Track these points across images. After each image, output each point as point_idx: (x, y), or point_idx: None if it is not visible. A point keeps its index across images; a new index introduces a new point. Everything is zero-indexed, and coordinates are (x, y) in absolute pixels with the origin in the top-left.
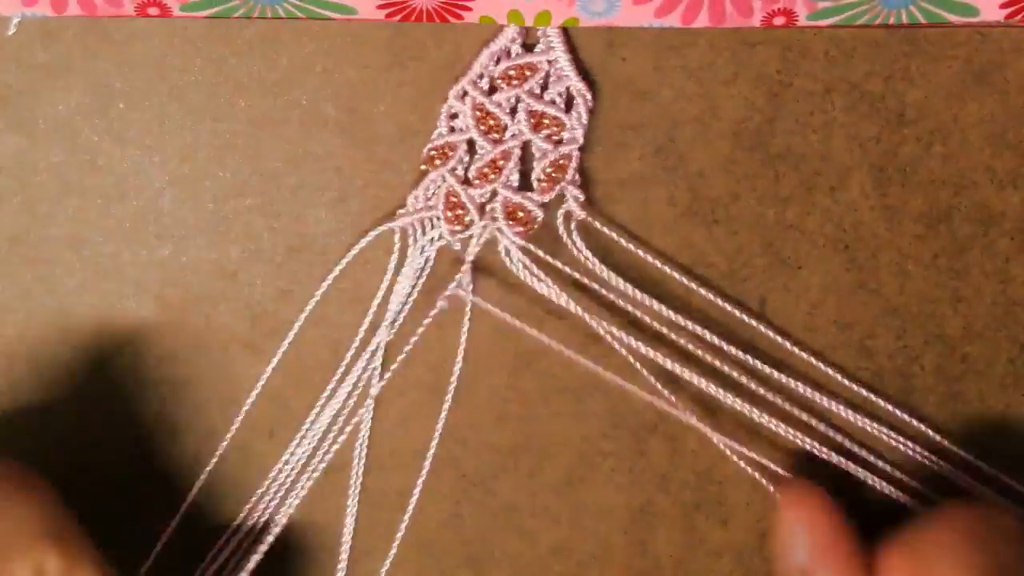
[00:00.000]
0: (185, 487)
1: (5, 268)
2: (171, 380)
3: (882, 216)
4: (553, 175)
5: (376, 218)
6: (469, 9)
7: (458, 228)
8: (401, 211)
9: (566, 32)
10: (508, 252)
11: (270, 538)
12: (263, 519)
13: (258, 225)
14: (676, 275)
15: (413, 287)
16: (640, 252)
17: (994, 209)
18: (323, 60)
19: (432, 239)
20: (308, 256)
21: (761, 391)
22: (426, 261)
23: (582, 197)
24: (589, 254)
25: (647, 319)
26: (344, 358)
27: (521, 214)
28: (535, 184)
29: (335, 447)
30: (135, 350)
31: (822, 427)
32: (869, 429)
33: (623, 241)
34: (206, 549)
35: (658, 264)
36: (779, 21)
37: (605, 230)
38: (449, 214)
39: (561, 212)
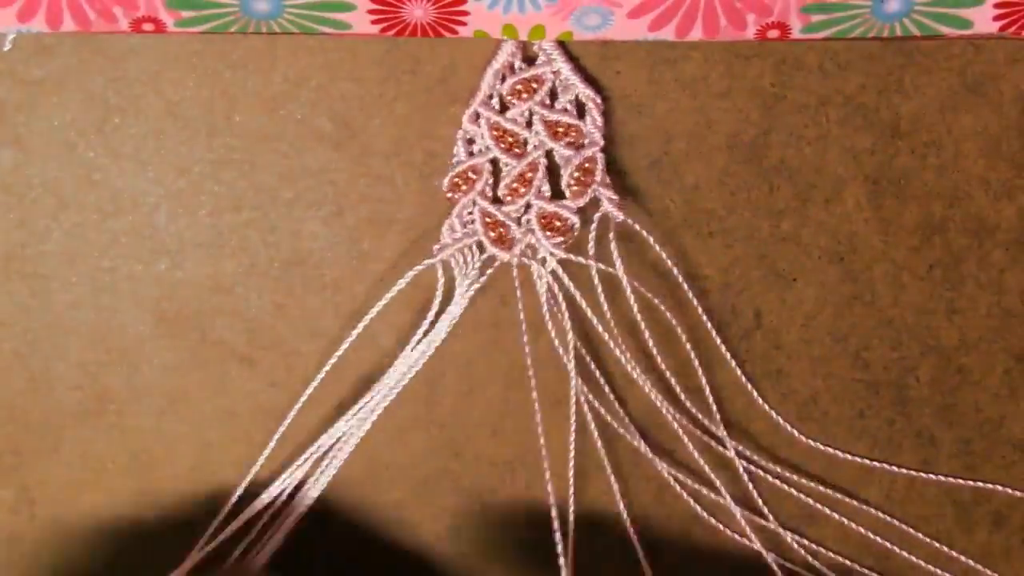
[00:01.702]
0: (181, 500)
1: (1, 283)
2: (168, 394)
3: (877, 228)
4: (581, 179)
5: (372, 231)
6: (463, 24)
7: (503, 249)
8: (438, 245)
9: (563, 44)
10: (542, 266)
11: (268, 550)
12: (264, 535)
13: (254, 239)
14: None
15: (458, 312)
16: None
17: (988, 220)
18: (318, 75)
19: (475, 266)
20: (304, 270)
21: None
22: (475, 287)
23: (617, 198)
24: (620, 265)
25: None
26: (344, 371)
27: (558, 223)
28: (566, 191)
29: (336, 463)
30: (132, 364)
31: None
32: None
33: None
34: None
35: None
36: (773, 34)
37: (644, 232)
38: (491, 235)
39: (597, 216)
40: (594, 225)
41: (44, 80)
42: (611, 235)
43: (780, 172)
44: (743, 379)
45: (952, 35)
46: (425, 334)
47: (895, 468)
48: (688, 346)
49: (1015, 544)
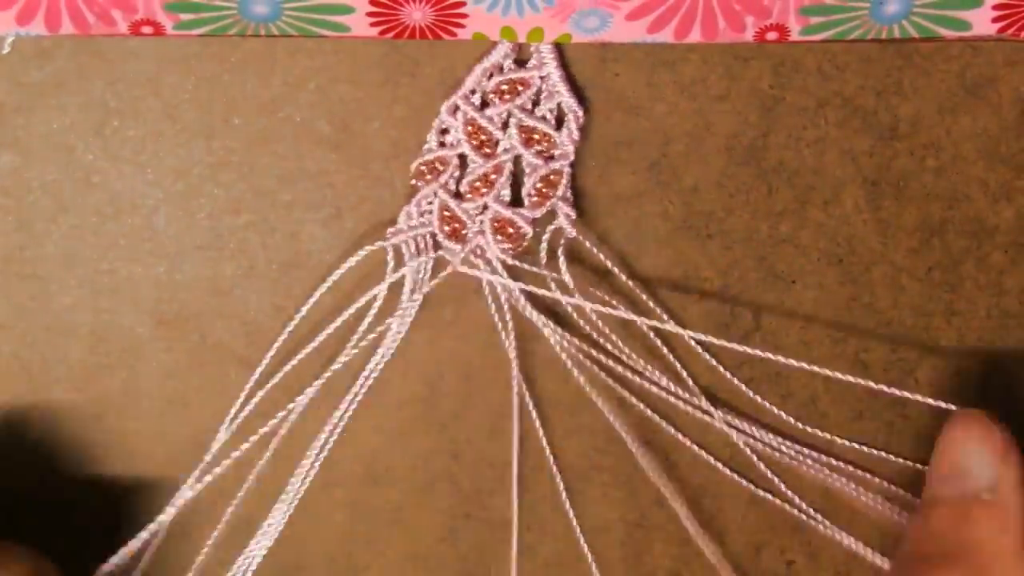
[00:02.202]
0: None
1: (0, 286)
2: (167, 396)
3: (876, 230)
4: (543, 190)
5: (371, 234)
6: (462, 26)
7: (455, 242)
8: (392, 228)
9: (559, 48)
10: (491, 269)
11: (262, 551)
12: (256, 537)
13: (253, 242)
14: (667, 291)
15: (411, 301)
16: (624, 277)
17: (987, 222)
18: (317, 77)
19: (425, 257)
20: (303, 273)
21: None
22: (422, 277)
23: (574, 215)
24: (569, 278)
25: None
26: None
27: (511, 230)
28: (525, 199)
29: (318, 463)
30: (131, 366)
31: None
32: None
33: (609, 263)
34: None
35: (638, 287)
36: (772, 36)
37: (594, 250)
38: (446, 228)
39: (550, 229)
40: (546, 237)
41: (43, 83)
42: (560, 251)
43: (779, 174)
44: (734, 382)
45: (951, 37)
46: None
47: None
48: (666, 351)
49: None
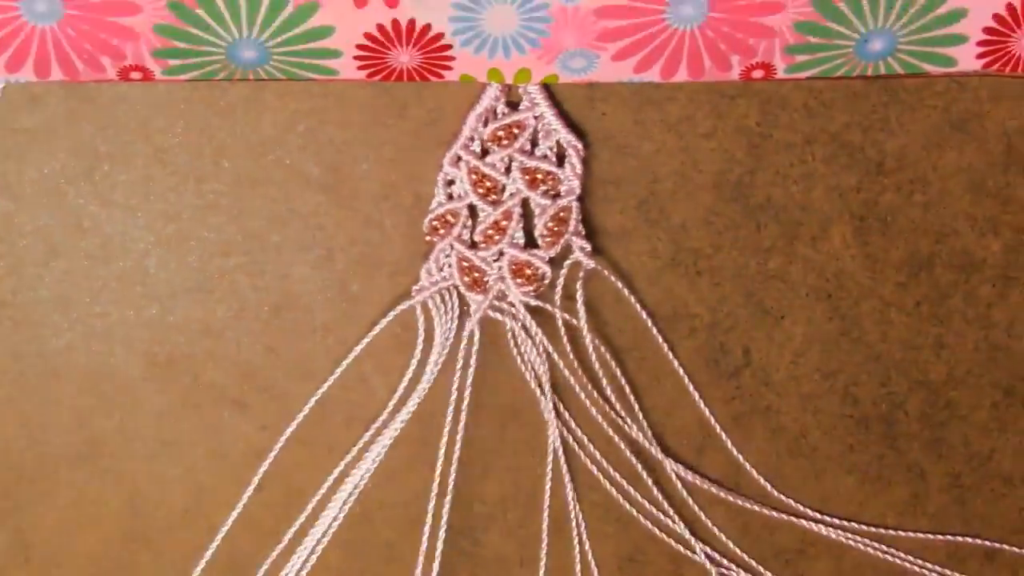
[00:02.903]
0: (176, 544)
1: None
2: (160, 437)
3: (864, 265)
4: (555, 229)
5: (361, 274)
6: (449, 68)
7: (476, 292)
8: (416, 287)
9: (547, 88)
10: (515, 313)
11: None
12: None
13: (243, 284)
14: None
15: (440, 356)
16: (636, 304)
17: (975, 256)
18: (305, 120)
19: (454, 309)
20: (293, 314)
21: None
22: (454, 331)
23: (589, 247)
24: (583, 312)
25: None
26: (335, 414)
27: (529, 271)
28: (539, 240)
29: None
30: (124, 408)
31: None
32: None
33: (626, 291)
34: None
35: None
36: (758, 74)
37: (612, 278)
38: (467, 279)
39: (568, 264)
40: (563, 272)
41: (33, 129)
42: (579, 283)
43: (766, 210)
44: (713, 422)
45: (936, 73)
46: (414, 377)
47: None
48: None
49: None
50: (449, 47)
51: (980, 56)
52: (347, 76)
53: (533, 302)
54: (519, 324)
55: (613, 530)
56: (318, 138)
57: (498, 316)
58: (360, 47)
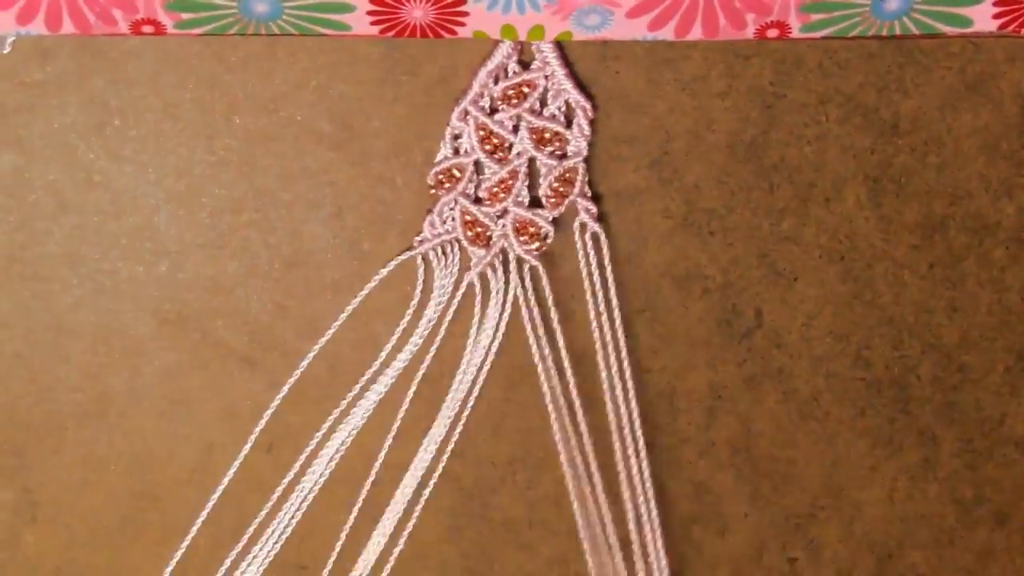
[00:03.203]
0: (184, 503)
1: (2, 286)
2: (169, 395)
3: (877, 227)
4: (560, 190)
5: (372, 232)
6: (463, 24)
7: (480, 247)
8: (418, 237)
9: (560, 47)
10: (519, 268)
11: (271, 553)
12: (265, 535)
13: (254, 241)
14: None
15: (437, 310)
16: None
17: (989, 219)
18: (317, 76)
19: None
20: (304, 271)
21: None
22: (455, 284)
23: (595, 210)
24: (596, 272)
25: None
26: (342, 372)
27: (532, 230)
28: (543, 200)
29: (334, 461)
30: (133, 365)
31: None
32: None
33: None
34: (208, 564)
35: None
36: (772, 33)
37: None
38: (469, 233)
39: (576, 225)
40: (576, 232)
41: (44, 83)
42: (588, 244)
43: (780, 171)
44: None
45: (952, 33)
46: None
47: None
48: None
49: (1017, 542)
50: (463, 2)
51: (996, 16)
52: (360, 32)
53: (534, 261)
54: (521, 284)
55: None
56: (330, 95)
57: (498, 271)
58: (373, 1)
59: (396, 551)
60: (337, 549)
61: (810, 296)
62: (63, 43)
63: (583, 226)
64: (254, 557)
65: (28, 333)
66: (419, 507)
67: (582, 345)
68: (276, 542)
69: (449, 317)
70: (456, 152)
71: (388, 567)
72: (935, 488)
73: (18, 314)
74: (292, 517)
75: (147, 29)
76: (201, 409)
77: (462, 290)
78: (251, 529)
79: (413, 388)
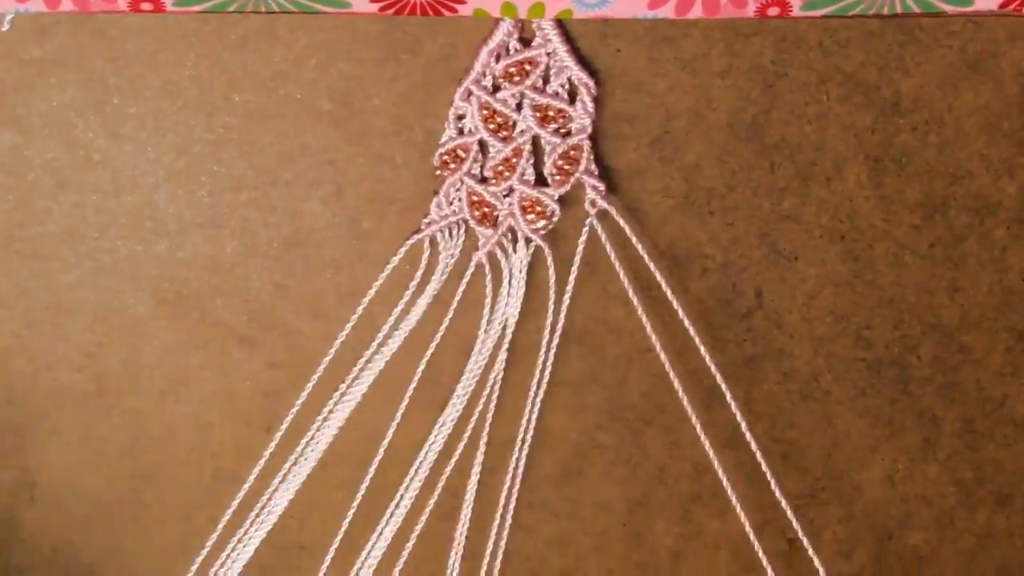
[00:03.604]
0: (182, 482)
1: (1, 264)
2: (168, 375)
3: (878, 206)
4: (565, 167)
5: (372, 211)
6: (463, 2)
7: (487, 227)
8: (426, 219)
9: (561, 24)
10: (521, 245)
11: (265, 529)
12: (261, 513)
13: (254, 219)
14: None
15: (440, 288)
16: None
17: (990, 198)
18: (317, 54)
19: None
20: (304, 250)
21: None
22: (452, 262)
23: (602, 187)
24: (612, 253)
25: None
26: (343, 352)
27: (539, 208)
28: (548, 178)
29: (327, 440)
30: (132, 345)
31: None
32: None
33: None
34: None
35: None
36: (773, 11)
37: (620, 221)
38: (476, 214)
39: (587, 201)
40: (589, 208)
41: (42, 60)
42: (594, 223)
43: (781, 150)
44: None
45: (952, 12)
46: (406, 310)
47: None
48: (689, 326)
49: (1017, 524)
50: None
51: None
52: (359, 9)
53: (539, 241)
54: (524, 262)
55: (623, 473)
56: (329, 73)
57: (508, 250)
58: None
59: (396, 530)
60: (343, 529)
61: (810, 276)
62: (61, 20)
63: (592, 203)
64: (251, 538)
65: (26, 312)
66: (418, 488)
67: (584, 324)
68: (275, 522)
69: (459, 297)
70: (460, 132)
71: (386, 545)
72: (935, 469)
73: (17, 293)
74: (291, 497)
75: (146, 6)
76: (200, 389)
77: (471, 270)
78: (254, 514)
79: (421, 368)
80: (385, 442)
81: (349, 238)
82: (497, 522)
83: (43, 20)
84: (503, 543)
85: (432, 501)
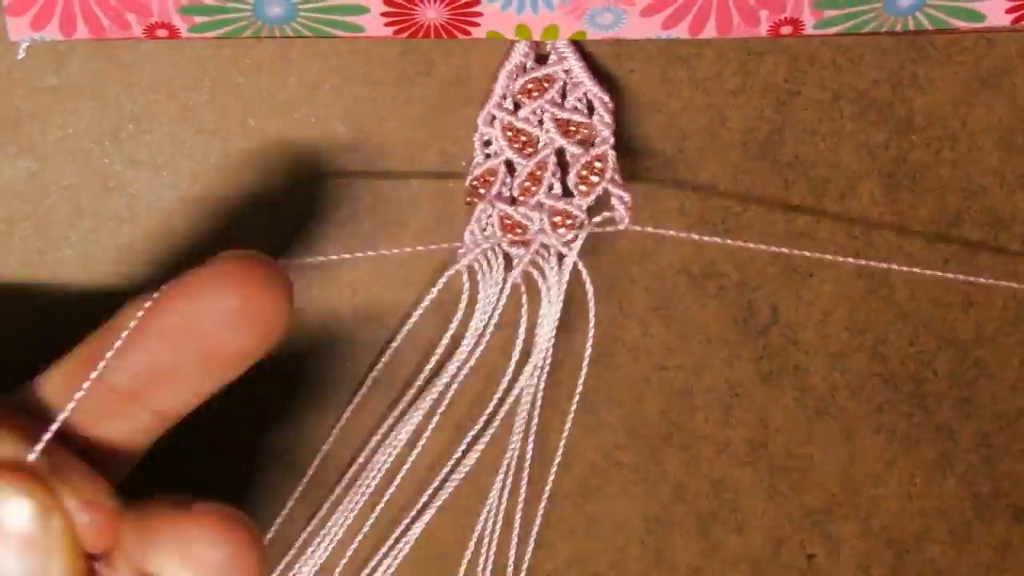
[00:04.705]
0: None
1: (18, 291)
2: None
3: (892, 222)
4: (589, 178)
5: (388, 234)
6: (477, 25)
7: (521, 248)
8: (461, 250)
9: (576, 42)
10: (554, 262)
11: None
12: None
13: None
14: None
15: (489, 319)
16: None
17: (1004, 213)
18: (331, 78)
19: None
20: (321, 274)
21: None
22: (501, 292)
23: (627, 197)
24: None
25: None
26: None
27: (569, 220)
28: (573, 189)
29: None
30: None
31: None
32: None
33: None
34: None
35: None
36: (786, 30)
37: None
38: (510, 236)
39: (604, 215)
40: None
41: (58, 88)
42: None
43: (795, 168)
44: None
45: (965, 28)
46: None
47: None
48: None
49: None
50: (477, 3)
51: (1009, 11)
52: (374, 33)
53: (574, 256)
54: (563, 280)
55: (641, 491)
56: (344, 97)
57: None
58: (387, 3)
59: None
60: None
61: (826, 292)
62: (77, 48)
63: (611, 219)
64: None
65: (44, 340)
66: (435, 507)
67: (601, 343)
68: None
69: (495, 320)
70: (487, 157)
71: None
72: (952, 483)
73: (34, 320)
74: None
75: (161, 33)
76: (217, 416)
77: (506, 293)
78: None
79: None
80: (409, 462)
81: (365, 261)
82: (515, 541)
83: (58, 48)
84: (525, 562)
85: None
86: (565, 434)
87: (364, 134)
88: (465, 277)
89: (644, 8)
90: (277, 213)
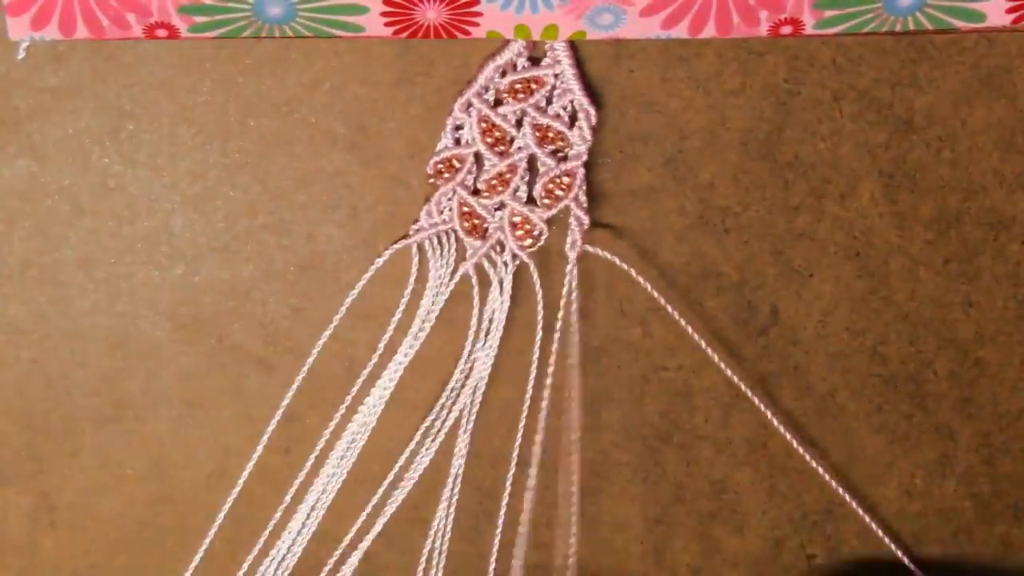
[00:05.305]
0: (202, 506)
1: (19, 291)
2: (186, 398)
3: (892, 222)
4: (555, 192)
5: (387, 234)
6: (476, 24)
7: (476, 238)
8: (415, 226)
9: (573, 45)
10: (506, 265)
11: (293, 557)
12: (284, 539)
13: (270, 244)
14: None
15: (435, 300)
16: (641, 280)
17: (1004, 213)
18: (331, 78)
19: (450, 254)
20: (320, 274)
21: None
22: (450, 274)
23: (586, 220)
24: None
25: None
26: (359, 374)
27: (528, 227)
28: (537, 200)
29: (350, 463)
30: (149, 369)
31: None
32: None
33: (625, 266)
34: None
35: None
36: (786, 30)
37: (607, 255)
38: (466, 224)
39: (568, 236)
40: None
41: (58, 88)
42: (574, 247)
43: (795, 168)
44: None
45: (965, 28)
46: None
47: None
48: (703, 341)
49: None
50: (477, 3)
51: (1009, 11)
52: (373, 33)
53: (527, 258)
54: (510, 275)
55: (640, 491)
56: (344, 96)
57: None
58: (387, 2)
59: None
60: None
61: (826, 292)
62: (77, 48)
63: (573, 243)
64: (271, 560)
65: (44, 338)
66: (440, 507)
67: (601, 343)
68: (294, 544)
69: (441, 305)
70: (456, 143)
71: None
72: (952, 483)
73: (34, 319)
74: (309, 519)
75: (161, 33)
76: (218, 412)
77: (456, 279)
78: (267, 531)
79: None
80: (399, 462)
81: (364, 261)
82: (521, 539)
83: (58, 48)
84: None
85: (438, 518)
86: (573, 435)
87: (364, 134)
88: (415, 250)
89: (644, 8)
90: (277, 213)
